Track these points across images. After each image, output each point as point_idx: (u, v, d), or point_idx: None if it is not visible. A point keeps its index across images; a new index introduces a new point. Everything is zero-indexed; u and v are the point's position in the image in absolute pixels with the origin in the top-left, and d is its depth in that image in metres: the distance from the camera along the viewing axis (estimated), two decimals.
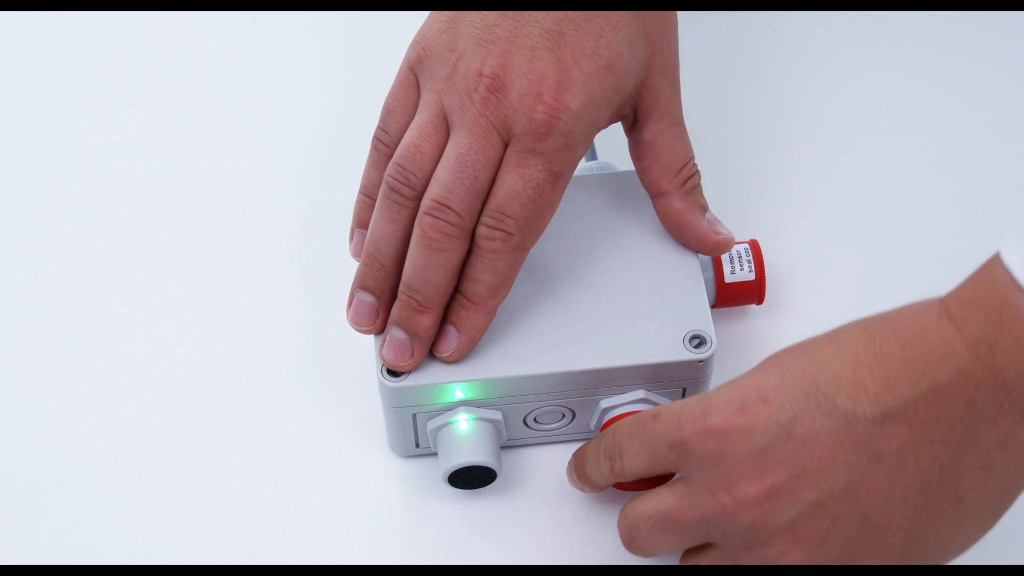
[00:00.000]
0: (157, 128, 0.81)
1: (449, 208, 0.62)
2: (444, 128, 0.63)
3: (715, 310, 0.71)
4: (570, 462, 0.66)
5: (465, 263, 0.64)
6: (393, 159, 0.64)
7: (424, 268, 0.63)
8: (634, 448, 0.61)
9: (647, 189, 0.68)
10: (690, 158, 0.67)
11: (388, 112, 0.66)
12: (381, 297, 0.65)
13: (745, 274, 0.69)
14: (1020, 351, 0.52)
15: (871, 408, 0.55)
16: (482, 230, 0.63)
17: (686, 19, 0.76)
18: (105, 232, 0.77)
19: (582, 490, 0.66)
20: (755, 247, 0.70)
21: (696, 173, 0.67)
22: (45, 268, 0.76)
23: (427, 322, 0.64)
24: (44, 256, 0.76)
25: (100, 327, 0.74)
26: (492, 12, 0.63)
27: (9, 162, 0.80)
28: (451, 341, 0.64)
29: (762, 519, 0.56)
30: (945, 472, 0.54)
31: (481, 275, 0.63)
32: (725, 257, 0.69)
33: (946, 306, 0.55)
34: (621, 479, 0.62)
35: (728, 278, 0.69)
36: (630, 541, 0.62)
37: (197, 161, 0.80)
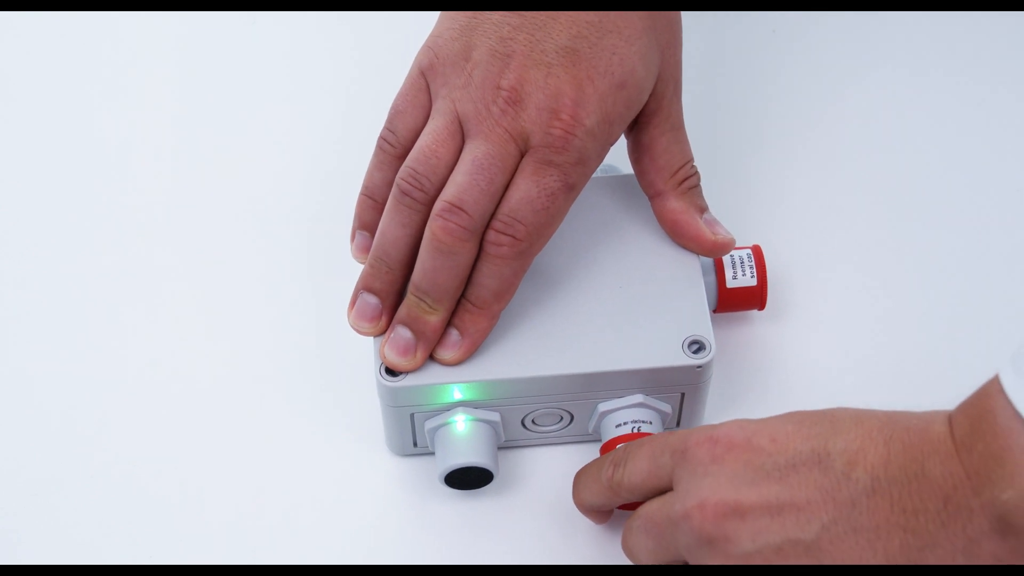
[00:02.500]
0: (157, 128, 0.81)
1: (462, 210, 0.62)
2: (459, 135, 0.64)
3: (715, 315, 0.71)
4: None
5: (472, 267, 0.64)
6: (406, 163, 0.64)
7: (434, 271, 0.63)
8: (640, 454, 0.61)
9: (645, 190, 0.68)
10: (688, 160, 0.67)
11: (396, 113, 0.66)
12: (386, 300, 0.65)
13: (747, 279, 0.69)
14: (991, 457, 0.53)
15: (864, 477, 0.56)
16: (491, 234, 0.63)
17: (686, 19, 0.76)
18: (105, 232, 0.77)
19: (584, 513, 0.66)
20: (757, 252, 0.70)
21: (695, 174, 0.68)
22: (49, 267, 0.76)
23: (435, 323, 0.64)
24: (48, 256, 0.76)
25: (102, 327, 0.74)
26: (505, 22, 0.64)
27: (10, 162, 0.80)
28: (453, 344, 0.65)
29: (720, 535, 0.57)
30: (909, 561, 0.55)
31: (487, 280, 0.64)
32: (727, 262, 0.69)
33: (951, 411, 0.56)
34: (619, 489, 0.62)
35: (730, 283, 0.69)
36: (622, 541, 0.63)
37: (198, 161, 0.80)
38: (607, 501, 0.64)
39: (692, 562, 0.59)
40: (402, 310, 0.65)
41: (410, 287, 0.64)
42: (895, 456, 0.56)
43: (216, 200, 0.78)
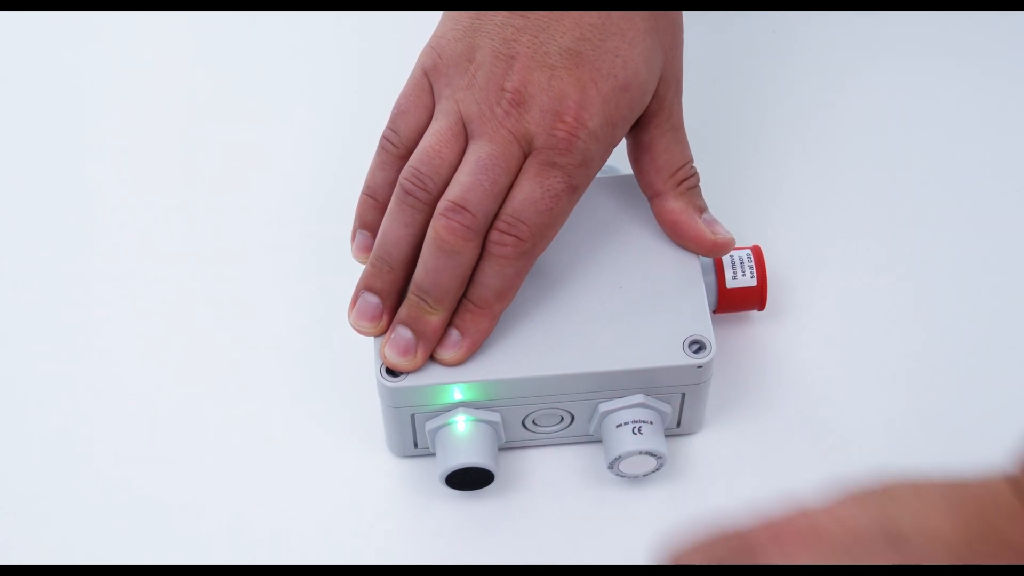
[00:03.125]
0: (157, 129, 0.81)
1: (466, 210, 0.62)
2: (463, 136, 0.64)
3: (716, 315, 0.71)
4: None
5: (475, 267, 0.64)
6: (410, 162, 0.64)
7: (436, 271, 0.63)
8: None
9: (644, 191, 0.68)
10: (687, 160, 0.67)
11: (399, 113, 0.66)
12: (387, 300, 0.65)
13: (747, 280, 0.69)
14: None
15: (943, 552, 0.52)
16: (494, 234, 0.63)
17: (686, 19, 0.76)
18: (106, 234, 0.77)
19: None
20: (757, 252, 0.70)
21: (694, 175, 0.68)
22: (50, 268, 0.76)
23: (435, 323, 0.64)
24: (48, 257, 0.76)
25: (105, 327, 0.74)
26: (508, 23, 0.64)
27: (11, 163, 0.80)
28: (454, 345, 0.65)
29: None
30: None
31: (489, 280, 0.64)
32: (727, 262, 0.69)
33: (1009, 470, 0.54)
34: None
35: (730, 283, 0.69)
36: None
37: (198, 161, 0.80)
38: None
39: None
40: (403, 310, 0.65)
41: (411, 287, 0.64)
42: (970, 527, 0.52)
43: (216, 200, 0.78)
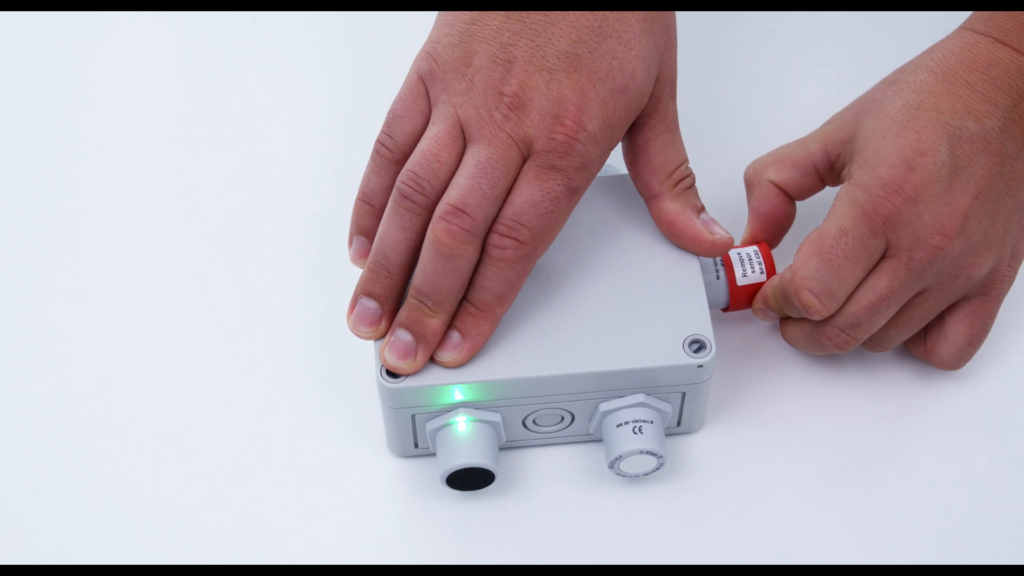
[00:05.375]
0: (156, 129, 0.81)
1: (465, 213, 0.62)
2: (460, 140, 0.64)
3: (722, 314, 0.71)
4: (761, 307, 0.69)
5: (474, 270, 0.64)
6: (407, 166, 0.64)
7: (436, 274, 0.63)
8: (842, 269, 0.65)
9: (640, 192, 0.68)
10: (683, 160, 0.67)
11: (394, 117, 0.66)
12: (385, 304, 0.65)
13: (756, 276, 0.69)
14: None
15: (992, 122, 0.65)
16: (494, 238, 0.63)
17: (686, 19, 0.76)
18: (105, 235, 0.77)
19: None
20: (764, 249, 0.70)
21: (689, 175, 0.68)
22: (46, 270, 0.76)
23: (435, 326, 0.64)
24: (44, 259, 0.76)
25: (101, 327, 0.74)
26: (505, 27, 0.64)
27: (11, 164, 0.80)
28: (455, 347, 0.65)
29: (967, 244, 0.65)
30: None
31: (490, 283, 0.64)
32: (735, 260, 0.69)
33: (993, 36, 0.67)
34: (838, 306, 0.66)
35: (740, 281, 0.69)
36: (851, 340, 0.68)
37: (198, 162, 0.80)
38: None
39: (940, 285, 0.66)
40: (402, 313, 0.65)
41: (411, 290, 0.64)
42: (991, 94, 0.66)
43: (216, 201, 0.78)
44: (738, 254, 0.70)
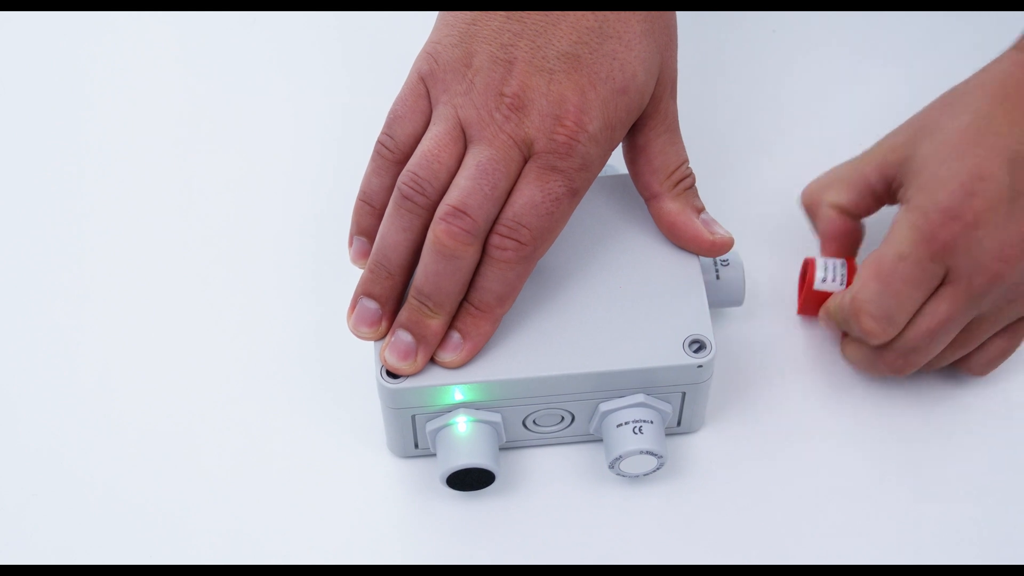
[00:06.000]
0: (156, 129, 0.81)
1: (466, 214, 0.62)
2: (461, 141, 0.64)
3: (717, 313, 0.71)
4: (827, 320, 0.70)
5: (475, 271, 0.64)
6: (408, 167, 0.64)
7: (436, 275, 0.63)
8: (901, 294, 0.65)
9: (641, 192, 0.68)
10: (683, 161, 0.67)
11: (395, 118, 0.66)
12: (386, 305, 0.65)
13: (835, 286, 0.70)
14: None
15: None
16: (495, 239, 0.63)
17: (686, 19, 0.76)
18: (104, 234, 0.77)
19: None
20: (851, 264, 0.70)
21: (690, 175, 0.68)
22: (46, 271, 0.76)
23: (436, 327, 0.64)
24: (46, 256, 0.76)
25: (103, 327, 0.74)
26: (505, 28, 0.63)
27: (10, 164, 0.80)
28: (455, 348, 0.65)
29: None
30: None
31: (491, 284, 0.64)
32: (819, 263, 0.70)
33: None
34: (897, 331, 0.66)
35: (818, 284, 0.70)
36: (908, 365, 0.68)
37: (198, 163, 0.80)
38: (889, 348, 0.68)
39: (995, 310, 0.66)
40: (403, 314, 0.65)
41: (411, 291, 0.64)
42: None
43: (216, 202, 0.78)
44: (825, 261, 0.70)
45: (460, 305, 0.65)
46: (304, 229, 0.77)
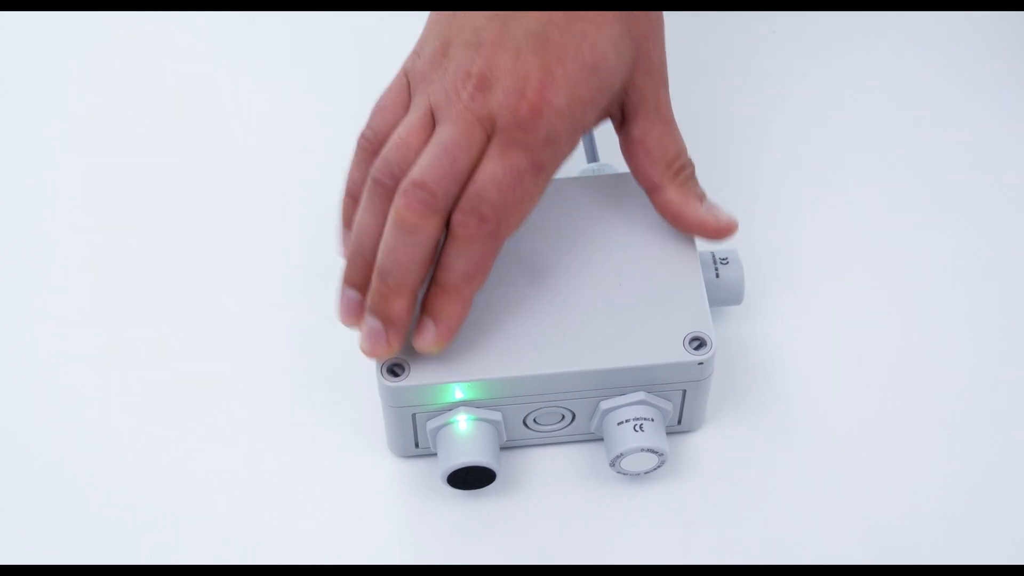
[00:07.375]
0: (156, 129, 0.81)
1: (423, 187, 0.62)
2: (432, 125, 0.64)
3: (718, 310, 0.71)
4: None
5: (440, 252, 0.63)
6: (380, 154, 0.64)
7: (394, 250, 0.62)
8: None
9: (642, 185, 0.68)
10: (681, 150, 0.67)
11: (376, 111, 0.66)
12: (365, 292, 0.65)
13: None
14: None
15: None
16: (457, 215, 0.62)
17: (686, 19, 0.77)
18: (100, 234, 0.77)
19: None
20: None
21: (689, 164, 0.67)
22: (48, 268, 0.76)
23: (399, 307, 0.63)
24: (45, 256, 0.77)
25: (98, 328, 0.74)
26: (482, 15, 0.64)
27: (9, 164, 0.80)
28: (428, 332, 0.64)
29: None
30: None
31: (454, 261, 0.63)
32: None
33: None
34: None
35: None
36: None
37: (197, 162, 0.80)
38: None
39: None
40: (368, 299, 0.64)
41: (374, 272, 0.64)
42: None
43: (215, 200, 0.78)
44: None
45: (428, 288, 0.64)
46: (303, 228, 0.77)
